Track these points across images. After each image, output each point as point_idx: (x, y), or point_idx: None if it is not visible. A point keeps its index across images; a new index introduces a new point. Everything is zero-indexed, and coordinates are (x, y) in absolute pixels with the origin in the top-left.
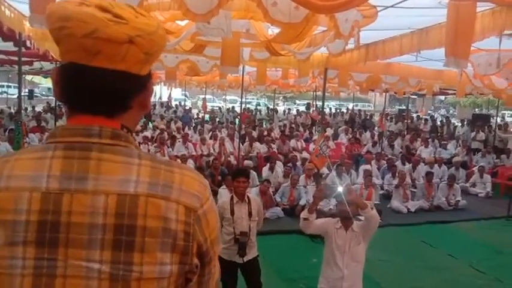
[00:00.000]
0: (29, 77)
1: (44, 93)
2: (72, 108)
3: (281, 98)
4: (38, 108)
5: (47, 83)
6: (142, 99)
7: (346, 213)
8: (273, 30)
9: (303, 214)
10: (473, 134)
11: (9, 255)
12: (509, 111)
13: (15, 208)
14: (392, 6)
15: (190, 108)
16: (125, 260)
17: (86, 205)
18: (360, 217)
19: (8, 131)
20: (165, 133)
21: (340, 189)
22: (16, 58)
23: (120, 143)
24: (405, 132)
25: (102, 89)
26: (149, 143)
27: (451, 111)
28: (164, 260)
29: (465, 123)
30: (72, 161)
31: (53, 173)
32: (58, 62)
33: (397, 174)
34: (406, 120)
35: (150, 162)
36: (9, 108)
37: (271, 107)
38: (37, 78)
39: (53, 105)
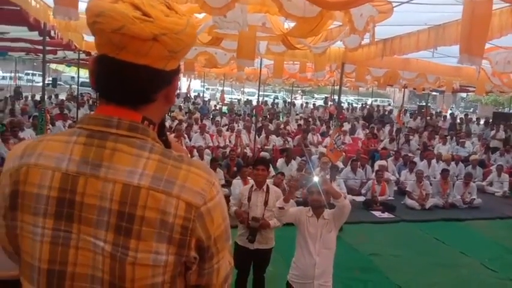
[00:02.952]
0: (53, 66)
1: (67, 81)
2: (102, 97)
3: (299, 91)
4: (62, 96)
5: (70, 71)
6: (166, 93)
7: (320, 202)
8: (289, 24)
9: (279, 203)
10: (492, 132)
11: (32, 222)
12: None
13: (40, 183)
14: (407, 1)
15: (209, 99)
16: (123, 244)
17: (97, 189)
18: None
19: (32, 117)
20: (183, 124)
21: (315, 179)
22: (41, 47)
23: (137, 135)
24: (423, 129)
25: (126, 80)
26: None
27: (471, 109)
28: (160, 249)
29: (482, 121)
30: (90, 148)
31: (73, 157)
32: (81, 51)
33: (414, 170)
34: (425, 117)
35: (159, 157)
36: (34, 95)
37: (289, 100)
38: (61, 67)
39: (75, 93)
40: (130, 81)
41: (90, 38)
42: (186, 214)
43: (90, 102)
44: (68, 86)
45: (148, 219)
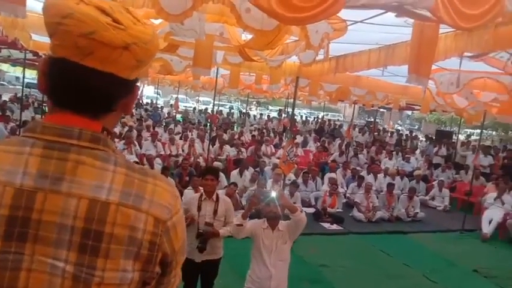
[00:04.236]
0: None
1: (11, 81)
2: (56, 102)
3: (254, 102)
4: (5, 97)
5: (16, 71)
6: (126, 103)
7: (275, 213)
8: (247, 36)
9: (237, 220)
10: (435, 149)
11: None
12: (471, 130)
13: None
14: (361, 21)
15: (162, 106)
16: (88, 264)
17: (58, 206)
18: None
19: None
20: (134, 130)
21: (273, 194)
22: None
23: (99, 147)
24: (371, 144)
25: (89, 88)
26: (117, 140)
27: (416, 126)
28: (126, 267)
29: (427, 138)
30: (49, 160)
31: (29, 170)
32: (28, 51)
33: (362, 185)
34: (373, 132)
35: (125, 170)
36: None
37: (244, 111)
38: (5, 66)
39: (19, 95)
40: (95, 89)
41: (38, 38)
42: (154, 229)
43: (36, 104)
44: (12, 87)
45: (117, 236)
